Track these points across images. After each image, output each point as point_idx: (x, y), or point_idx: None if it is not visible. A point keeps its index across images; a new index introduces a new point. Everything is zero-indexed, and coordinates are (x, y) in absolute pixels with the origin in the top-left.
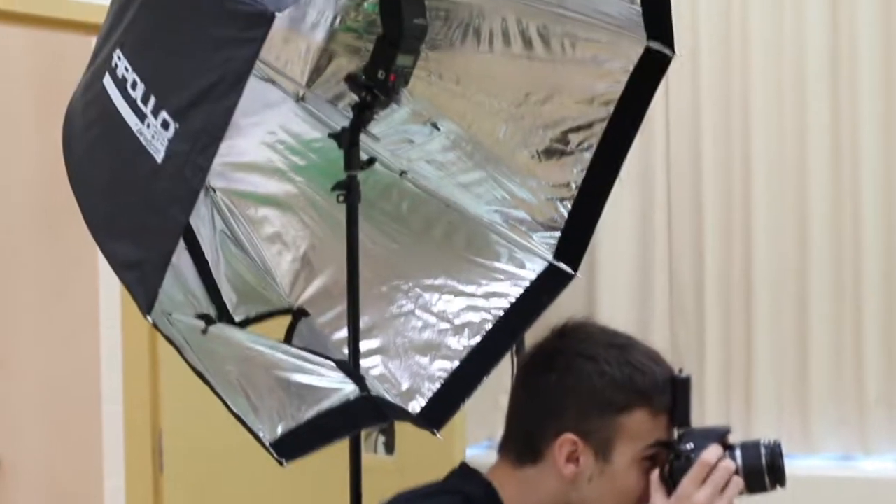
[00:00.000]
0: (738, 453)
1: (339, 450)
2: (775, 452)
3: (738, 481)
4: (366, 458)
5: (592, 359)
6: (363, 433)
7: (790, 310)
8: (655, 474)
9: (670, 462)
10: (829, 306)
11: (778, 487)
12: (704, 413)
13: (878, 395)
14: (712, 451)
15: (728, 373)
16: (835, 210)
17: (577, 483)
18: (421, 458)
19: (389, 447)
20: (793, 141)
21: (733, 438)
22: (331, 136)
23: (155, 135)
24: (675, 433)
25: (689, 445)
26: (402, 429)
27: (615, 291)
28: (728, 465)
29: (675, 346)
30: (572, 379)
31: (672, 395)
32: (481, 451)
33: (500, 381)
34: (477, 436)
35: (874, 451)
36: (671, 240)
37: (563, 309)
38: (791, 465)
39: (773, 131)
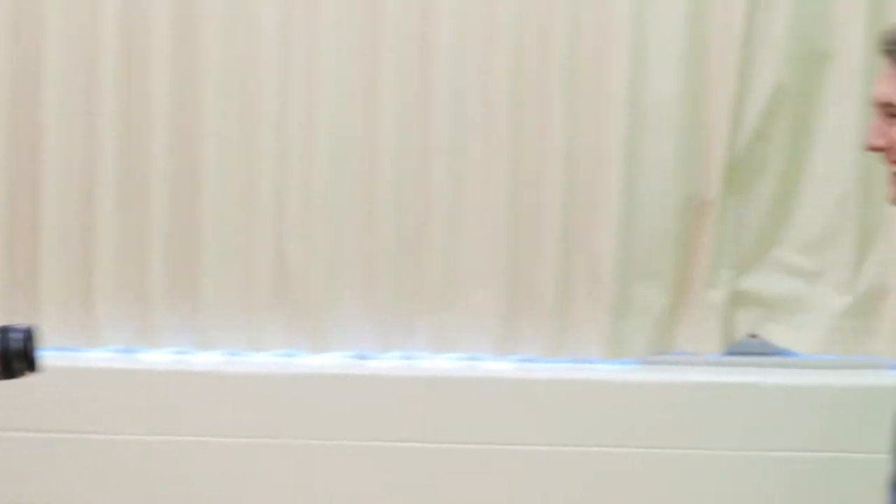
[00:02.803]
0: None
1: None
2: (26, 337)
3: None
4: None
5: None
6: None
7: (75, 210)
8: None
9: None
10: (117, 207)
11: (30, 373)
12: None
13: (161, 290)
14: None
15: (11, 269)
16: (124, 110)
17: None
18: None
19: None
20: (85, 34)
21: None
22: None
23: None
24: None
25: None
26: None
27: None
28: None
29: None
30: None
31: None
32: None
33: None
34: None
35: (157, 344)
36: None
37: None
38: (73, 358)
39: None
